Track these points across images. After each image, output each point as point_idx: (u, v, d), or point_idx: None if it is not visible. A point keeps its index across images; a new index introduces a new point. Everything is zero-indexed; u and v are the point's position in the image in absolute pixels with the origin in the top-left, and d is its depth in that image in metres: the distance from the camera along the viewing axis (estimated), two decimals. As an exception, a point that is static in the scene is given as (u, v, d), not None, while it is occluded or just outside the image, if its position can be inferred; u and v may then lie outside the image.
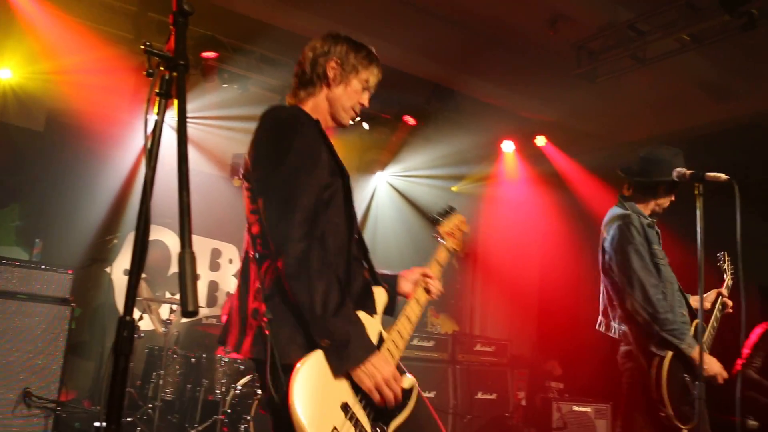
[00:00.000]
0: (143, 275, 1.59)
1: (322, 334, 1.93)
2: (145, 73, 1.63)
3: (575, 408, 6.61)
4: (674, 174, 3.14)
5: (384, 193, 9.40)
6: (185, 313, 1.32)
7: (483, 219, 9.41)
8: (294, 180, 2.01)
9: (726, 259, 3.80)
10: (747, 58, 6.11)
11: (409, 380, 2.14)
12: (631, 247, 3.35)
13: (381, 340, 2.15)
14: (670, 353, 3.21)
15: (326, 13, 5.94)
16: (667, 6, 5.47)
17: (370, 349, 1.99)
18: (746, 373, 5.01)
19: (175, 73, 1.57)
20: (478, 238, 9.72)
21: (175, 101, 1.58)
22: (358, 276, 2.19)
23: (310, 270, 1.92)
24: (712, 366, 3.30)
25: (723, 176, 2.96)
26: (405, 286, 2.41)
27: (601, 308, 3.67)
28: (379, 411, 2.04)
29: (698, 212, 2.97)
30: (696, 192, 3.00)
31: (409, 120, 7.98)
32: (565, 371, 8.04)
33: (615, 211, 3.57)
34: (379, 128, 8.21)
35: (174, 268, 7.63)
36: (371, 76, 2.36)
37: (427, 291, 2.39)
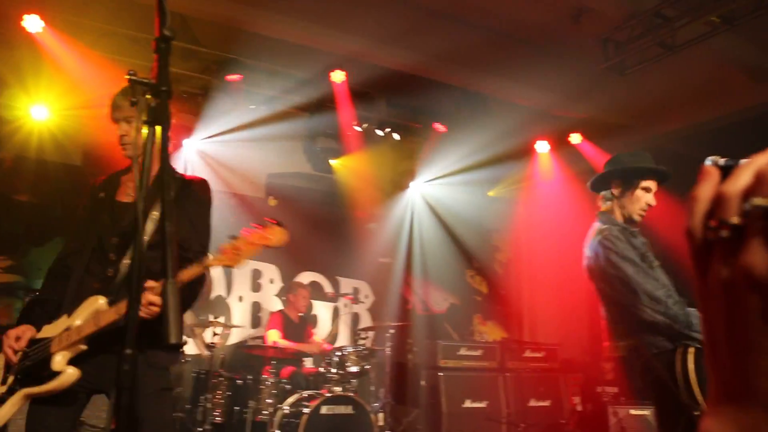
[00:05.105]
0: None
1: None
2: (129, 102, 1.61)
3: (632, 412, 6.37)
4: (707, 162, 2.96)
5: (421, 204, 9.30)
6: (167, 346, 1.28)
7: (523, 222, 9.25)
8: None
9: None
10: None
11: (59, 364, 2.36)
12: (617, 255, 3.11)
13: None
14: (692, 348, 2.98)
15: (352, 29, 5.96)
16: (693, -11, 5.31)
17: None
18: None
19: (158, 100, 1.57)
20: (520, 242, 9.54)
21: (158, 129, 1.57)
22: (80, 288, 2.52)
23: None
24: None
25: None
26: None
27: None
28: (25, 378, 2.43)
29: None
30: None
31: (440, 127, 7.90)
32: (618, 374, 7.79)
33: (593, 227, 3.33)
34: (410, 138, 8.16)
35: (216, 292, 7.68)
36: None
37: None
